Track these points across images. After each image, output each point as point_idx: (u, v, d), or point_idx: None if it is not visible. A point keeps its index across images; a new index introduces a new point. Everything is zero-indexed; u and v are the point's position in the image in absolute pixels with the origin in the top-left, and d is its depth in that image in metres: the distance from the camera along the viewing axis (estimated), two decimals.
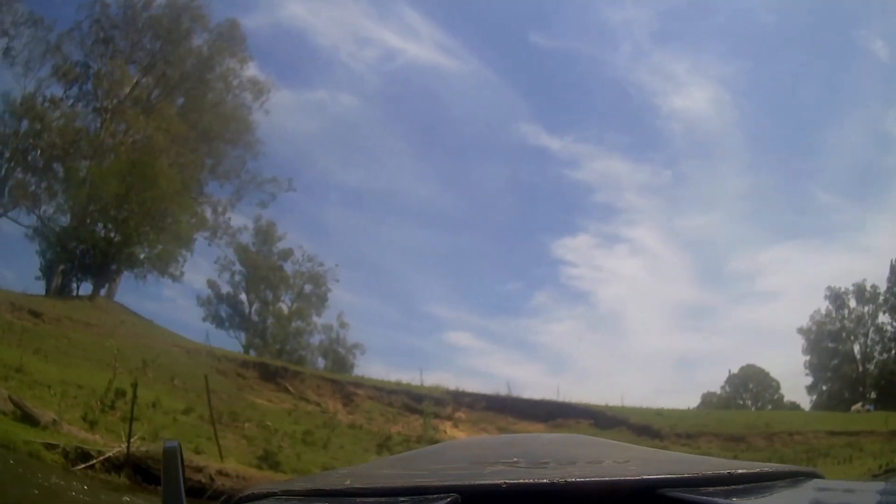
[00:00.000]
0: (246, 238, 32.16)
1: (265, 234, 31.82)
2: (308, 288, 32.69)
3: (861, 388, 38.53)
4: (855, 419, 30.30)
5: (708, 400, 36.23)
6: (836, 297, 38.30)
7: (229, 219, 31.70)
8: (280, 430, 17.41)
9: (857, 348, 38.68)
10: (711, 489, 0.99)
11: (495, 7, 42.79)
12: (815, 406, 37.09)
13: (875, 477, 20.01)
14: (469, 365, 40.47)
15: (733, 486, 1.01)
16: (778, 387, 39.25)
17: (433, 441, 22.29)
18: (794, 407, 36.00)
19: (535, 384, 40.43)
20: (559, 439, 2.46)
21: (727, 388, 38.82)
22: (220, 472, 12.43)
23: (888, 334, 38.48)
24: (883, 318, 38.49)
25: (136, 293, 35.35)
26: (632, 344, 40.28)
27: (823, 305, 38.91)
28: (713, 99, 41.11)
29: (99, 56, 32.08)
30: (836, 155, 40.92)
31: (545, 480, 1.00)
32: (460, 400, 26.19)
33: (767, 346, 46.42)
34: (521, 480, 1.00)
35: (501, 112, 43.66)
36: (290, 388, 24.63)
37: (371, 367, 26.48)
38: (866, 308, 38.50)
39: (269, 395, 23.86)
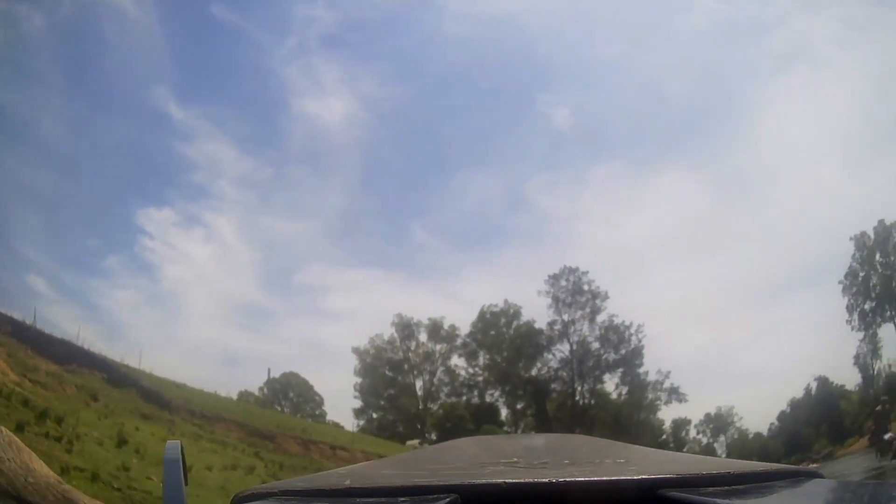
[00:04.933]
0: None
1: None
2: None
3: (420, 426, 39.08)
4: None
5: (244, 398, 32.00)
6: (405, 327, 36.97)
7: None
8: None
9: (419, 384, 37.54)
10: (711, 489, 0.98)
11: None
12: (362, 431, 34.53)
13: None
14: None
15: (733, 486, 0.99)
16: (322, 402, 37.36)
17: None
18: (337, 426, 34.47)
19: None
20: (559, 439, 2.42)
21: (265, 391, 35.19)
22: None
23: (461, 378, 37.69)
24: (458, 360, 37.72)
25: None
26: (186, 328, 38.50)
27: (389, 332, 37.67)
28: (349, 114, 42.56)
29: None
30: (455, 203, 45.00)
31: (545, 480, 0.99)
32: None
33: (322, 362, 49.33)
34: (521, 480, 0.99)
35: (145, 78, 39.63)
36: None
37: None
38: (439, 346, 37.47)
39: None
